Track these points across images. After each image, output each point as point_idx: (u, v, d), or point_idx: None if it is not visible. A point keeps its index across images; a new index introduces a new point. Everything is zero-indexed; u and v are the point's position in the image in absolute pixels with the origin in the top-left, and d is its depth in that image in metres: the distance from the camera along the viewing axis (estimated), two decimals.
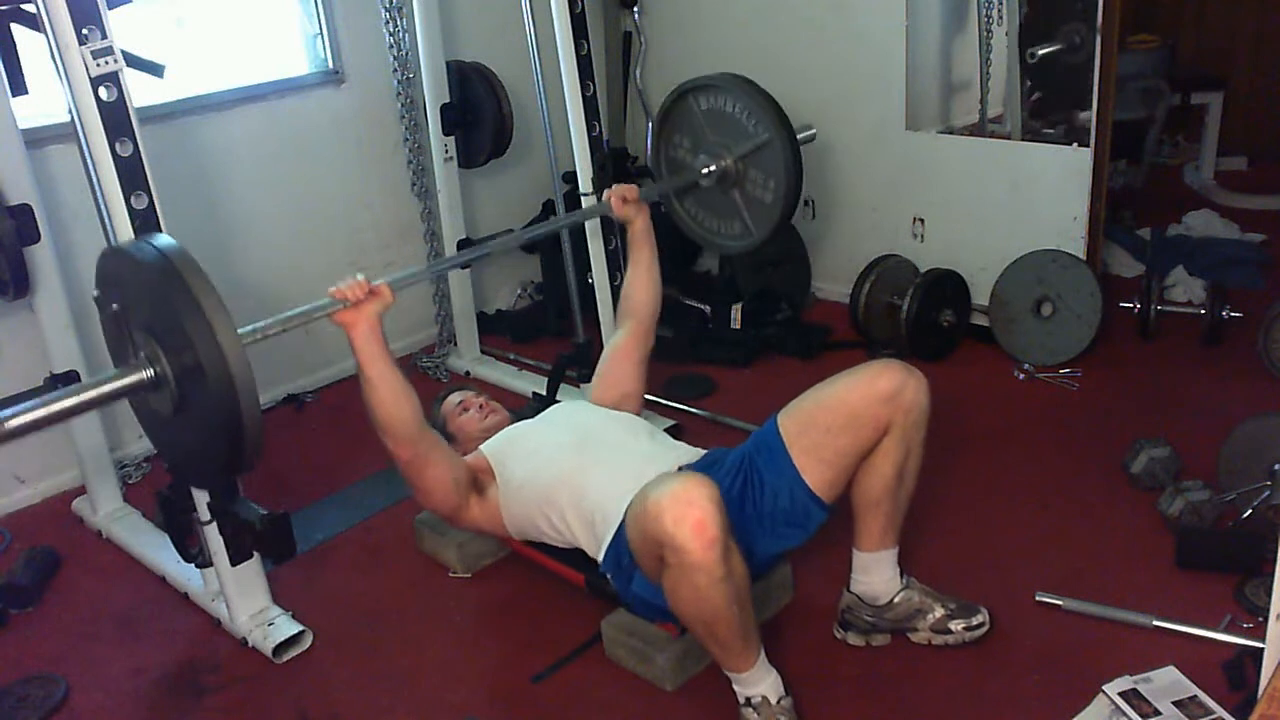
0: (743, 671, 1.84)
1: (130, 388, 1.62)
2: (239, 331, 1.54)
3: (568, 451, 2.18)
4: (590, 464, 2.13)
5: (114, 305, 1.66)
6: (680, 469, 2.08)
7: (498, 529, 2.25)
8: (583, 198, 2.96)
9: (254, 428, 1.54)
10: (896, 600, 2.06)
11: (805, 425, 2.00)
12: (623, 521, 1.93)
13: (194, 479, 2.04)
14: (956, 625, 2.05)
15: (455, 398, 2.55)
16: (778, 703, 1.84)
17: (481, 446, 2.31)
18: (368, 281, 1.92)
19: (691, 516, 1.66)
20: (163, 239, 1.73)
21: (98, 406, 1.66)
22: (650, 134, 2.82)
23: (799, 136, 2.49)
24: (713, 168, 2.48)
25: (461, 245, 3.46)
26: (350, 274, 1.93)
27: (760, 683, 1.85)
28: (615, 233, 2.90)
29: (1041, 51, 3.37)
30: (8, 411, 1.48)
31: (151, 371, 1.60)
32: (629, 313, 2.48)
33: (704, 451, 2.20)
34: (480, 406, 2.50)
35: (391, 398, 1.97)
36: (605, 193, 2.43)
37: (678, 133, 2.56)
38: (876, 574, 2.06)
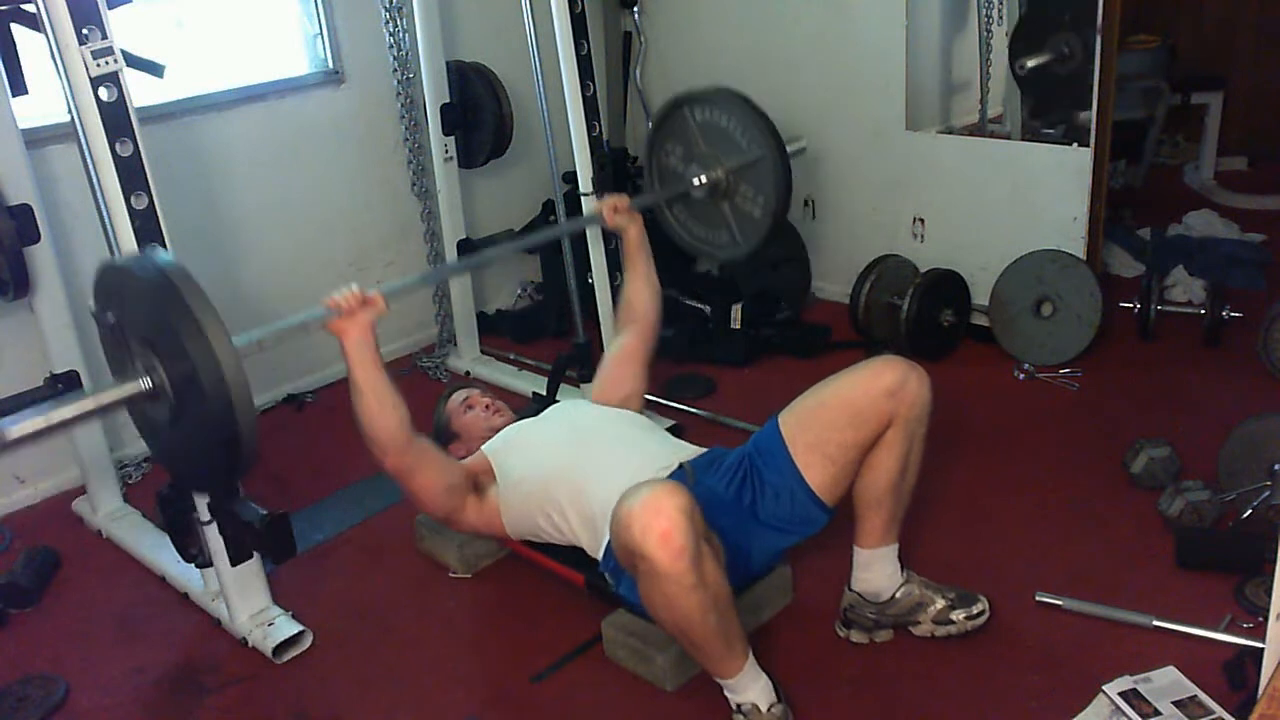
0: (729, 677, 1.83)
1: (128, 398, 1.65)
2: (235, 342, 1.56)
3: (568, 448, 2.18)
4: (590, 461, 2.13)
5: (111, 318, 1.69)
6: (680, 465, 2.08)
7: (496, 530, 2.25)
8: (583, 198, 2.96)
9: (249, 435, 1.57)
10: (898, 595, 2.07)
11: (807, 422, 2.01)
12: None
13: (192, 484, 2.05)
14: (958, 615, 2.06)
15: (461, 394, 2.56)
16: (768, 709, 1.83)
17: (483, 447, 2.31)
18: (362, 291, 1.93)
19: (658, 526, 1.65)
20: (159, 254, 1.75)
21: (97, 417, 1.69)
22: (646, 140, 2.82)
23: (788, 149, 2.49)
24: (704, 179, 2.48)
25: (461, 245, 3.47)
26: (345, 283, 1.95)
27: (749, 689, 1.83)
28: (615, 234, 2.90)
29: (1030, 63, 3.38)
30: (8, 421, 1.50)
31: (149, 382, 1.63)
32: (631, 320, 2.47)
33: (704, 450, 2.19)
34: (487, 406, 2.50)
35: (378, 407, 1.97)
36: (597, 204, 2.43)
37: (670, 140, 2.56)
38: (878, 570, 2.07)
